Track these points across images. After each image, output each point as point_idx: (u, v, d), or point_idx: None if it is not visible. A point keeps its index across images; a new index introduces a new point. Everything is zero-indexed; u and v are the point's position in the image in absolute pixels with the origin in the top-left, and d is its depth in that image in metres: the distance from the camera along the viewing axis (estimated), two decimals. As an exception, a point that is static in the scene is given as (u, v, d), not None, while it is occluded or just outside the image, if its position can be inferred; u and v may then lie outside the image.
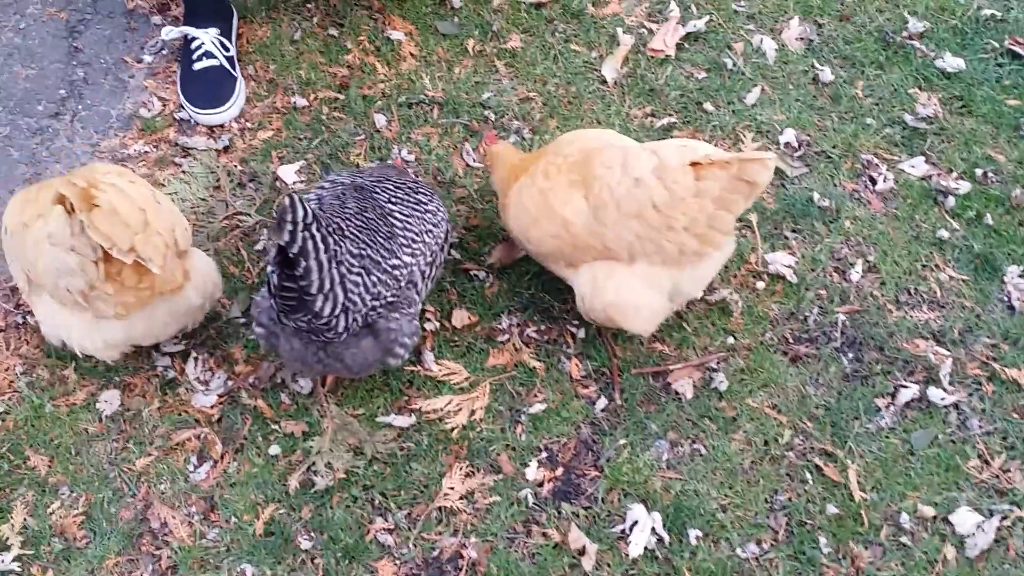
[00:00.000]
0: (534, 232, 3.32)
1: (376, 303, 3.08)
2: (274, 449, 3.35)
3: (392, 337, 3.15)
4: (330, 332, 3.01)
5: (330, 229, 2.89)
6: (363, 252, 3.06)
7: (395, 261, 3.14)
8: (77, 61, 4.32)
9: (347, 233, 3.06)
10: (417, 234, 3.25)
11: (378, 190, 3.30)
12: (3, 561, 3.12)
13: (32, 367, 3.51)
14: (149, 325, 3.23)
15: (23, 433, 3.37)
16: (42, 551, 3.16)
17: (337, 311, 2.95)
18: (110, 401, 3.43)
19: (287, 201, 2.67)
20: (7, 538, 3.16)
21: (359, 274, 3.01)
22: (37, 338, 3.55)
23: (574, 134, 3.53)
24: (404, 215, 3.26)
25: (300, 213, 2.69)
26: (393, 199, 3.29)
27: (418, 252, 3.23)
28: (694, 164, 2.99)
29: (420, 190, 3.40)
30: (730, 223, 3.09)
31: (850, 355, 3.61)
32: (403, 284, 3.18)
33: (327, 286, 2.88)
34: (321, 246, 2.81)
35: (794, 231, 3.90)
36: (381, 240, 3.14)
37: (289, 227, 2.69)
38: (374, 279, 3.06)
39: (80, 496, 3.26)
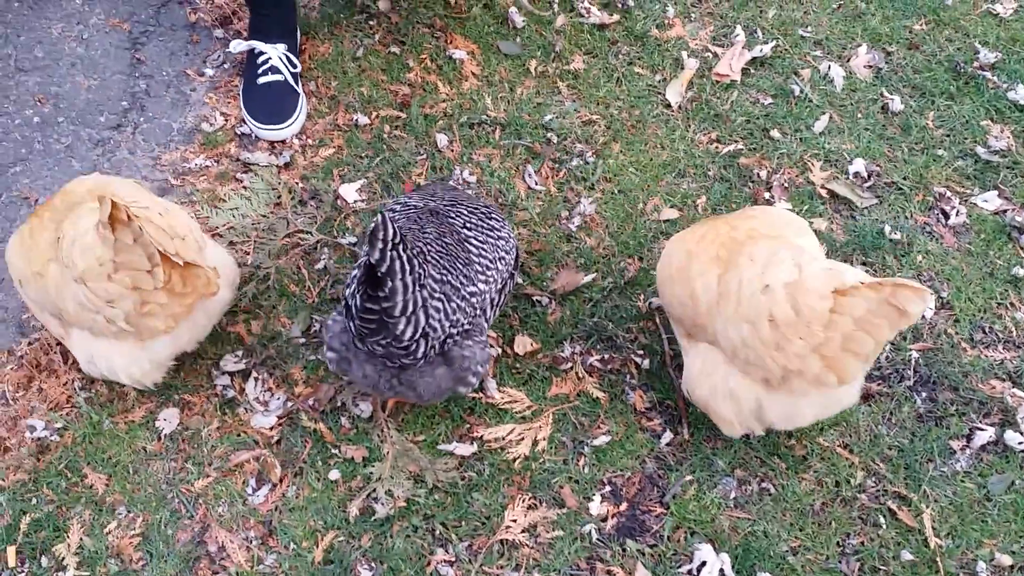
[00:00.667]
0: (667, 289, 3.21)
1: (454, 330, 3.02)
2: (334, 474, 3.28)
3: (466, 365, 3.09)
4: (408, 357, 2.95)
5: (413, 252, 2.84)
6: (444, 278, 3.00)
7: (472, 288, 3.08)
8: (139, 73, 4.30)
9: (429, 258, 3.00)
10: (491, 261, 3.19)
11: (452, 215, 3.24)
12: (59, 582, 3.07)
13: (91, 382, 3.46)
14: (192, 330, 3.19)
15: (81, 450, 3.32)
16: (98, 572, 3.10)
17: (418, 335, 2.89)
18: (169, 420, 3.38)
19: (379, 218, 2.61)
20: (63, 558, 3.11)
21: (440, 300, 2.95)
22: (96, 353, 3.52)
23: (760, 210, 3.32)
24: (479, 241, 3.20)
25: (391, 232, 2.63)
26: (468, 224, 3.23)
27: (491, 279, 3.17)
28: (838, 292, 2.73)
29: (493, 215, 3.34)
30: (867, 349, 2.78)
31: (924, 394, 3.51)
32: (478, 311, 3.12)
33: (410, 309, 2.82)
34: (407, 267, 2.75)
35: (864, 264, 3.81)
36: (460, 267, 3.08)
37: (380, 244, 2.62)
38: (454, 306, 2.99)
39: (137, 517, 3.21)
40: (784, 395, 2.95)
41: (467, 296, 3.05)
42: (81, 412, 3.39)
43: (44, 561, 3.12)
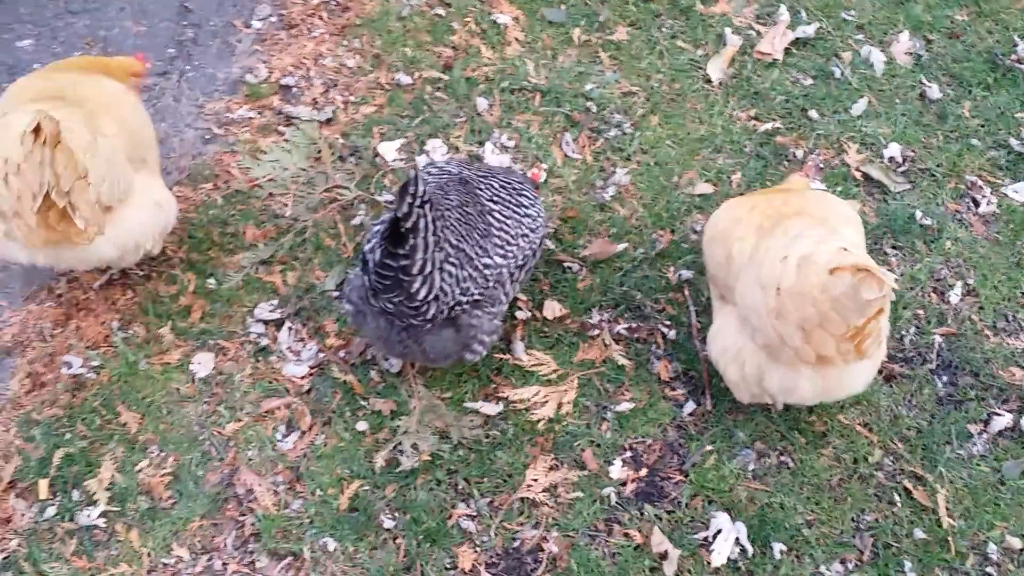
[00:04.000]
0: (709, 248, 3.28)
1: (463, 298, 3.07)
2: (361, 425, 3.35)
3: (472, 333, 3.15)
4: (418, 317, 3.01)
5: (437, 213, 2.89)
6: (460, 245, 3.04)
7: (487, 260, 3.12)
8: (187, 21, 4.35)
9: (448, 223, 3.05)
10: (512, 237, 3.22)
11: (482, 186, 3.28)
12: (89, 516, 3.16)
13: (128, 323, 3.54)
14: (55, 261, 3.24)
15: (116, 388, 3.41)
16: (128, 508, 3.19)
17: (430, 297, 2.95)
18: (203, 363, 3.45)
19: (412, 174, 2.66)
20: (94, 492, 3.20)
21: (454, 265, 3.00)
22: (135, 294, 3.59)
23: (818, 194, 3.40)
24: (503, 216, 3.23)
25: (421, 189, 2.68)
26: (495, 198, 3.26)
27: (510, 255, 3.20)
28: (832, 270, 2.74)
29: (524, 192, 3.36)
30: (839, 329, 2.79)
31: (945, 378, 3.54)
32: (491, 284, 3.16)
33: (427, 268, 2.88)
34: (431, 227, 2.80)
35: (894, 247, 3.83)
36: (477, 237, 3.12)
37: (409, 200, 2.68)
38: (465, 274, 3.04)
39: (168, 456, 3.29)
40: (783, 367, 3.01)
41: (480, 267, 3.09)
42: (118, 352, 3.47)
43: (75, 495, 3.21)
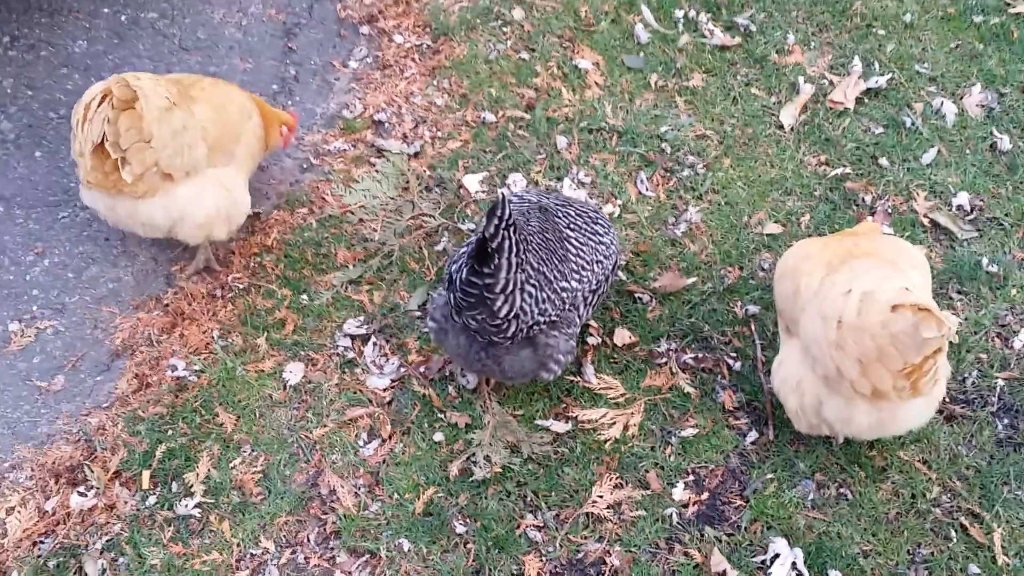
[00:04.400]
0: (778, 283, 3.42)
1: (541, 318, 3.25)
2: (438, 436, 3.56)
3: (549, 352, 3.33)
4: (499, 335, 3.20)
5: (520, 237, 3.10)
6: (540, 268, 3.23)
7: (564, 284, 3.31)
8: (290, 60, 4.69)
9: (530, 247, 3.24)
10: (588, 263, 3.41)
11: (560, 214, 3.48)
12: (186, 505, 3.41)
13: (228, 332, 3.82)
14: (112, 215, 3.64)
15: (215, 391, 3.67)
16: (221, 501, 3.43)
17: (511, 315, 3.14)
18: (295, 372, 3.71)
19: (500, 197, 2.88)
20: (191, 485, 3.45)
21: (534, 286, 3.19)
22: (234, 306, 3.88)
23: (888, 238, 3.54)
24: (579, 243, 3.43)
25: (507, 212, 2.90)
26: (572, 225, 3.46)
27: (585, 280, 3.39)
28: (894, 307, 2.88)
29: (599, 221, 3.56)
30: (895, 365, 2.91)
31: (1005, 421, 3.61)
32: (567, 306, 3.35)
33: (510, 287, 3.07)
34: (515, 248, 3.01)
35: (960, 292, 3.93)
36: (556, 261, 3.32)
37: (496, 221, 2.89)
38: (544, 295, 3.23)
39: (260, 455, 3.54)
40: (840, 398, 3.12)
41: (558, 290, 3.28)
42: (217, 358, 3.75)
43: (174, 486, 3.47)
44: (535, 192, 3.63)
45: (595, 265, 3.44)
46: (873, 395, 3.03)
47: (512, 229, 2.97)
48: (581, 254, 3.41)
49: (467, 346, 3.32)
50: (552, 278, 3.27)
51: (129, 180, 3.43)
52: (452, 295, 3.20)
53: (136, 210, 3.57)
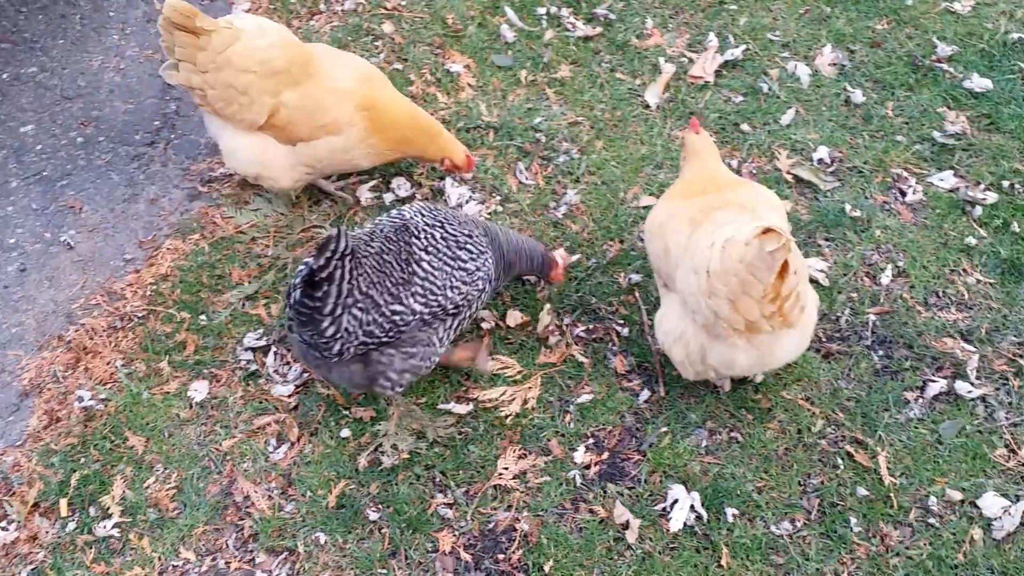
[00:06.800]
0: (649, 243, 3.58)
1: (368, 340, 3.30)
2: (345, 432, 3.69)
3: (380, 370, 3.39)
4: (327, 352, 3.29)
5: (357, 261, 3.21)
6: (369, 292, 3.28)
7: (398, 307, 3.33)
8: (170, 96, 4.81)
9: (364, 270, 3.28)
10: (439, 288, 3.41)
11: (424, 236, 3.46)
12: (104, 527, 3.49)
13: (131, 360, 3.92)
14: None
15: (123, 417, 3.76)
16: (138, 519, 3.52)
17: (338, 335, 3.24)
18: (199, 390, 3.81)
19: (334, 232, 3.04)
20: (108, 507, 3.53)
21: (361, 310, 3.26)
22: (135, 335, 3.97)
23: (747, 185, 3.64)
24: (432, 266, 3.42)
25: (342, 246, 3.05)
26: (430, 248, 3.45)
27: (434, 303, 3.40)
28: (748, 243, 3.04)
29: (468, 246, 3.52)
30: (757, 291, 3.10)
31: (880, 352, 3.83)
32: (403, 328, 3.35)
33: (338, 312, 3.20)
34: (347, 276, 3.15)
35: (827, 239, 4.16)
36: (389, 285, 3.34)
37: (327, 255, 3.05)
38: (370, 318, 3.28)
39: (172, 472, 3.63)
40: (721, 342, 3.31)
41: (388, 313, 3.30)
42: (123, 385, 3.83)
43: (92, 511, 3.54)
44: (415, 208, 3.61)
45: (449, 290, 3.42)
46: (748, 329, 3.21)
47: (347, 259, 3.11)
48: (431, 278, 3.39)
49: (305, 352, 3.41)
50: (381, 302, 3.30)
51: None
52: (288, 309, 3.29)
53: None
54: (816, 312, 3.49)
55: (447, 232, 3.50)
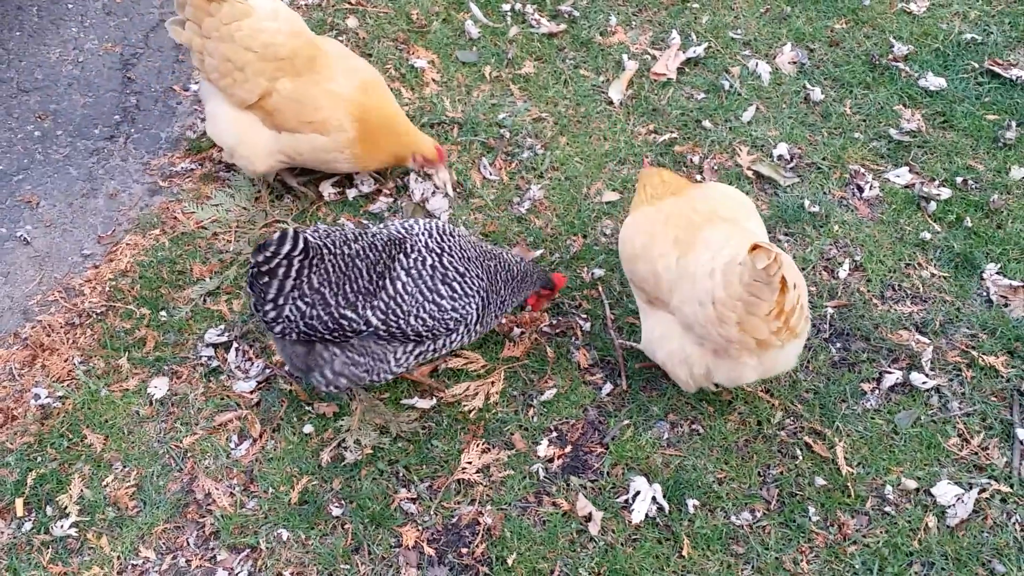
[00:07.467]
0: (632, 266, 3.53)
1: (308, 332, 3.31)
2: (308, 428, 3.67)
3: (319, 363, 3.40)
4: (269, 329, 3.35)
5: (318, 258, 3.25)
6: (320, 289, 3.28)
7: (348, 313, 3.30)
8: (130, 90, 4.76)
9: (320, 269, 3.28)
10: (404, 312, 3.35)
11: (412, 255, 3.38)
12: (61, 527, 3.44)
13: (89, 357, 3.87)
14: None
15: (80, 415, 3.72)
16: (97, 519, 3.48)
17: (279, 319, 3.28)
18: (160, 387, 3.78)
19: (278, 235, 3.14)
20: (66, 507, 3.49)
21: (308, 304, 3.27)
22: (94, 331, 3.92)
23: (719, 190, 3.63)
24: (406, 290, 3.35)
25: (287, 248, 3.14)
26: (413, 270, 3.38)
27: (393, 323, 3.34)
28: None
29: (454, 283, 3.42)
30: (761, 310, 3.09)
31: (838, 344, 3.89)
32: (350, 333, 3.34)
33: (280, 301, 3.25)
34: (292, 272, 3.21)
35: (786, 234, 4.21)
36: (347, 289, 3.31)
37: (267, 254, 3.15)
38: (315, 313, 3.28)
39: (132, 470, 3.59)
40: (729, 361, 3.32)
41: (335, 315, 3.29)
42: (80, 383, 3.79)
43: (49, 510, 3.50)
44: (429, 227, 3.49)
45: (414, 318, 3.35)
46: (759, 346, 3.22)
47: (298, 256, 3.19)
48: (400, 299, 3.33)
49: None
50: (332, 302, 3.29)
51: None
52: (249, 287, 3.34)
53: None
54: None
55: (442, 263, 3.40)
